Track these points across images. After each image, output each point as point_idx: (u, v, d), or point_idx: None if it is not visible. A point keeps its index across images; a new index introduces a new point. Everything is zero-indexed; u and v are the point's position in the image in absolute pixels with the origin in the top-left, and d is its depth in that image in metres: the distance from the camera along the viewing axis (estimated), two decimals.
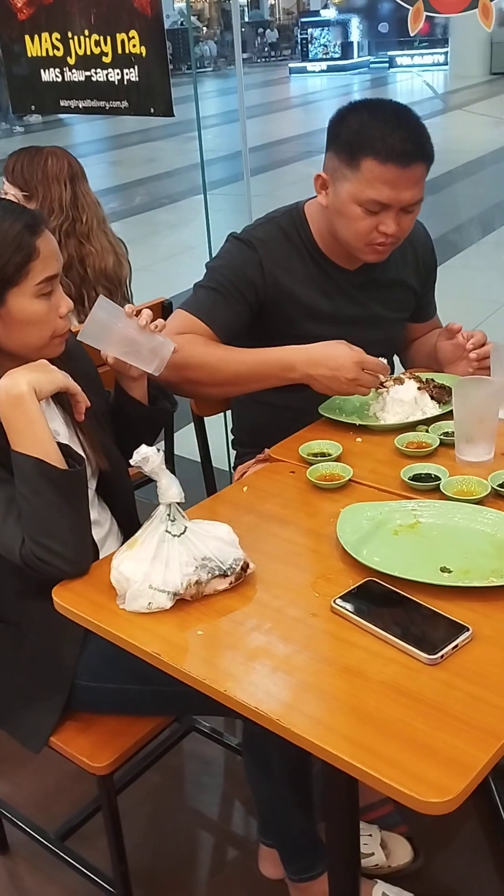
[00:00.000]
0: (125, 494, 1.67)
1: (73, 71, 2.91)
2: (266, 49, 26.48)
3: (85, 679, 1.53)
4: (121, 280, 2.50)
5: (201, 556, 1.25)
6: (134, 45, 2.68)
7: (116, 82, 2.78)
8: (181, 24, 19.97)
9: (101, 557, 1.46)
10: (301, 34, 22.20)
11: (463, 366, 1.86)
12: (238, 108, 2.83)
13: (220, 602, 1.26)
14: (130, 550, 1.28)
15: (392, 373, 1.80)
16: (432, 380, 1.79)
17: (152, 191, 9.31)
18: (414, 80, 18.82)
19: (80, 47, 2.84)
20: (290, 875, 1.72)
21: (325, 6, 25.49)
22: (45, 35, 2.93)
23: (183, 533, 1.27)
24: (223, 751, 2.16)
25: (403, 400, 1.73)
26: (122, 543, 1.35)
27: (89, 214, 2.42)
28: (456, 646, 1.12)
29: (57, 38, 2.90)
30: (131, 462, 1.27)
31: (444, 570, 1.28)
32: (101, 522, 1.59)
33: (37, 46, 2.98)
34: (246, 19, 26.51)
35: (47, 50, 2.95)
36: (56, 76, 2.98)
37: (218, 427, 2.55)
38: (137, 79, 2.72)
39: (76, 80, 2.91)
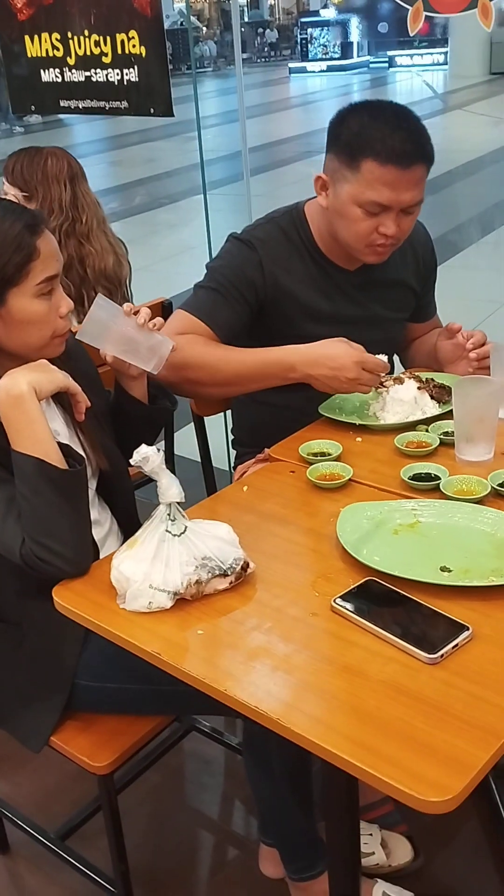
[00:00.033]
0: (125, 494, 1.67)
1: (73, 71, 2.91)
2: (266, 49, 26.48)
3: (85, 679, 1.53)
4: (121, 280, 2.50)
5: (201, 555, 1.26)
6: (134, 46, 2.68)
7: (116, 82, 2.79)
8: (181, 24, 19.96)
9: (101, 557, 1.46)
10: (301, 34, 22.20)
11: (463, 365, 1.86)
12: (238, 108, 2.83)
13: (221, 601, 1.26)
14: (131, 550, 1.28)
15: (392, 372, 1.80)
16: (432, 379, 1.79)
17: (152, 191, 9.31)
18: (413, 80, 18.83)
19: (79, 47, 2.84)
20: (290, 874, 1.72)
21: (325, 6, 25.49)
22: (44, 35, 2.94)
23: (183, 532, 1.27)
24: (223, 750, 2.16)
25: (403, 399, 1.73)
26: (123, 543, 1.35)
27: (89, 215, 2.42)
28: (456, 645, 1.13)
29: (57, 39, 2.91)
30: (131, 462, 1.27)
31: (443, 569, 1.28)
32: (102, 522, 1.59)
33: (37, 47, 2.98)
34: (245, 19, 26.51)
35: (47, 50, 2.95)
36: (56, 76, 2.98)
37: (218, 427, 2.55)
38: (137, 79, 2.73)
39: (76, 80, 2.92)
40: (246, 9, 28.33)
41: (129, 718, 1.59)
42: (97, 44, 2.78)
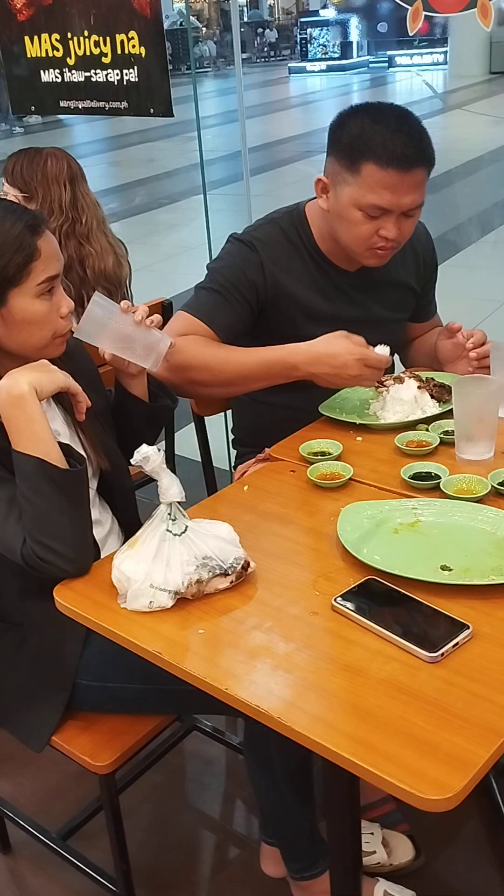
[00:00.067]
0: (126, 494, 1.67)
1: (73, 71, 2.91)
2: (265, 49, 26.46)
3: (86, 678, 1.53)
4: (120, 281, 2.50)
5: (202, 555, 1.26)
6: (133, 46, 2.68)
7: (116, 83, 2.79)
8: (180, 24, 19.94)
9: (102, 557, 1.46)
10: (300, 34, 22.18)
11: (463, 365, 1.86)
12: (237, 108, 2.84)
13: (221, 601, 1.26)
14: (131, 550, 1.29)
15: (392, 372, 1.80)
16: (432, 379, 1.79)
17: (152, 191, 9.31)
18: (413, 80, 18.82)
19: (79, 48, 2.85)
20: (291, 873, 1.72)
21: (325, 6, 25.47)
22: (44, 36, 2.94)
23: (184, 532, 1.27)
24: (224, 750, 2.16)
25: (403, 399, 1.73)
26: (123, 543, 1.35)
27: (89, 215, 2.43)
28: (456, 644, 1.13)
29: (56, 39, 2.91)
30: (132, 462, 1.27)
31: (444, 568, 1.28)
32: (103, 522, 1.59)
33: (36, 47, 2.98)
34: (245, 19, 26.46)
35: (47, 51, 2.96)
36: (56, 77, 2.98)
37: (218, 427, 2.56)
38: (137, 79, 2.73)
39: (76, 80, 2.92)
40: (245, 9, 28.31)
41: (131, 718, 1.60)
42: (97, 44, 2.78)
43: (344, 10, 23.66)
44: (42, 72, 3.01)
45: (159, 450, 1.25)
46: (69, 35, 2.85)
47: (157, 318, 1.53)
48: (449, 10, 2.44)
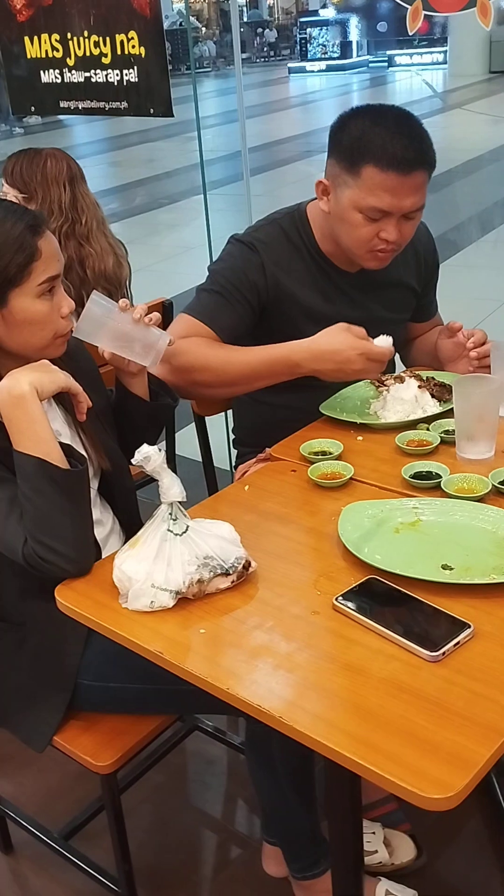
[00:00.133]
0: (127, 494, 1.67)
1: (73, 72, 2.92)
2: (265, 49, 26.48)
3: (88, 678, 1.53)
4: (120, 281, 2.50)
5: (203, 554, 1.26)
6: (133, 46, 2.68)
7: (116, 83, 2.79)
8: (180, 24, 19.95)
9: (103, 557, 1.46)
10: (300, 34, 22.19)
11: (463, 364, 1.86)
12: (237, 108, 2.84)
13: (222, 600, 1.26)
14: (132, 549, 1.29)
15: (393, 371, 1.80)
16: (433, 378, 1.79)
17: (152, 191, 9.31)
18: (413, 79, 18.82)
19: (79, 48, 2.85)
20: (293, 873, 1.72)
21: (324, 6, 25.47)
22: (44, 36, 2.94)
23: (185, 532, 1.28)
24: (226, 749, 2.16)
25: (404, 398, 1.73)
26: (125, 543, 1.35)
27: (89, 216, 2.42)
28: (457, 643, 1.13)
29: (56, 40, 2.91)
30: (133, 462, 1.27)
31: (445, 567, 1.28)
32: (104, 522, 1.59)
33: (36, 48, 2.99)
34: (245, 19, 26.47)
35: (47, 51, 2.96)
36: (55, 77, 2.98)
37: (219, 427, 2.56)
38: (137, 79, 2.73)
39: (76, 81, 2.92)
40: (245, 9, 28.32)
41: (132, 718, 1.60)
42: (97, 44, 2.78)
43: (343, 9, 23.66)
44: (42, 72, 3.02)
45: (160, 450, 1.25)
46: (69, 35, 2.86)
47: (155, 315, 1.53)
48: (448, 9, 2.44)
